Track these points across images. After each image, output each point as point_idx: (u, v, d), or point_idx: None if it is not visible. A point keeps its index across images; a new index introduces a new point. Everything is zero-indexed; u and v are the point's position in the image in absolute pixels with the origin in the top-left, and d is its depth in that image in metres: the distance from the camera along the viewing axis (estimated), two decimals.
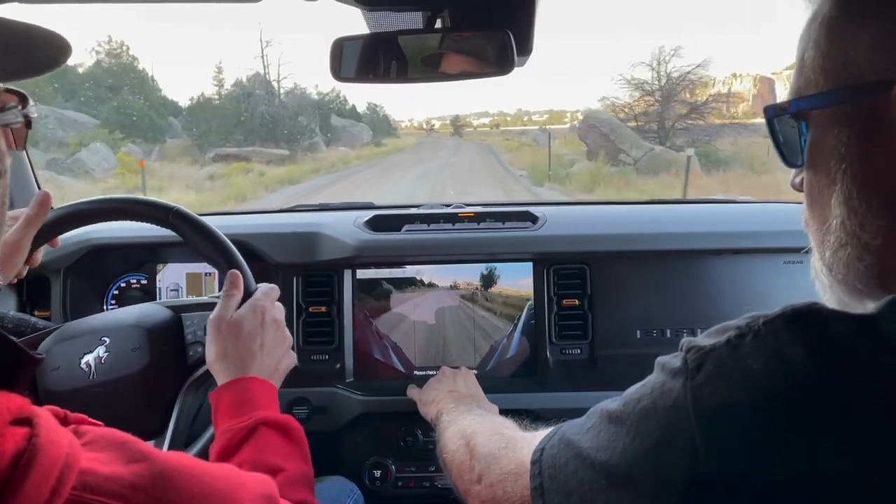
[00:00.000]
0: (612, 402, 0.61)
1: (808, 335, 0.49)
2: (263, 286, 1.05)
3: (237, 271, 1.04)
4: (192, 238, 1.13)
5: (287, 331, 1.03)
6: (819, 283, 0.61)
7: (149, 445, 0.47)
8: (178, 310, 1.15)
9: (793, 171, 0.62)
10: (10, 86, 0.54)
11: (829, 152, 0.55)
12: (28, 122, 0.54)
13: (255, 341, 0.96)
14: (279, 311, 1.03)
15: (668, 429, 0.52)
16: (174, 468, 0.47)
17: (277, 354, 0.99)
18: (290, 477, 0.82)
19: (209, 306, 1.14)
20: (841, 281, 0.57)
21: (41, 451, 0.41)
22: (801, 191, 0.61)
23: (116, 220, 1.17)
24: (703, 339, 0.55)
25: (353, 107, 53.50)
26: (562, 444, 0.63)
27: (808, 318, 0.50)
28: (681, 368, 0.54)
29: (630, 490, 0.54)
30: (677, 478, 0.51)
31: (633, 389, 0.59)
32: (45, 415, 0.45)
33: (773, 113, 0.60)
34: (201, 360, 1.11)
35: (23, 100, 0.53)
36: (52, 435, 0.43)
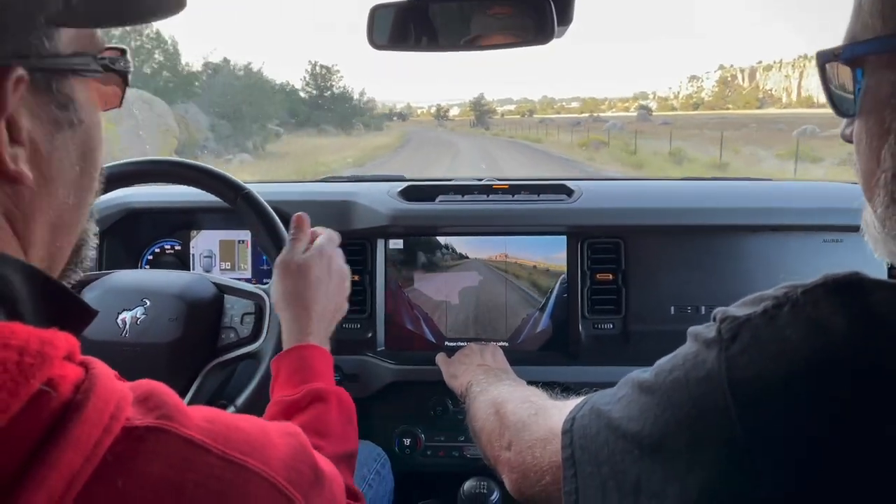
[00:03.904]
0: (643, 371, 0.60)
1: (850, 305, 0.48)
2: (327, 232, 1.07)
3: (303, 214, 1.06)
4: (254, 223, 1.15)
5: (348, 281, 1.06)
6: (869, 236, 0.59)
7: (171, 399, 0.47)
8: (223, 289, 1.16)
9: (844, 121, 0.60)
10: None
11: (884, 101, 0.52)
12: (125, 80, 0.53)
13: (321, 286, 0.99)
14: (342, 258, 1.06)
15: (701, 400, 0.51)
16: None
17: (337, 302, 1.03)
18: (327, 456, 0.83)
19: (252, 295, 1.16)
20: (895, 237, 0.55)
21: (99, 380, 0.42)
22: (850, 142, 0.59)
23: (183, 184, 1.18)
24: (738, 309, 0.54)
25: (172, 51, 28.24)
26: (593, 414, 0.63)
27: (849, 287, 0.49)
28: (714, 339, 0.53)
29: (662, 461, 0.53)
30: (710, 449, 0.50)
31: (666, 360, 0.58)
32: (94, 358, 0.46)
33: (826, 58, 0.57)
34: (231, 346, 1.13)
35: (123, 52, 0.52)
36: (106, 370, 0.44)
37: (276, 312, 1.01)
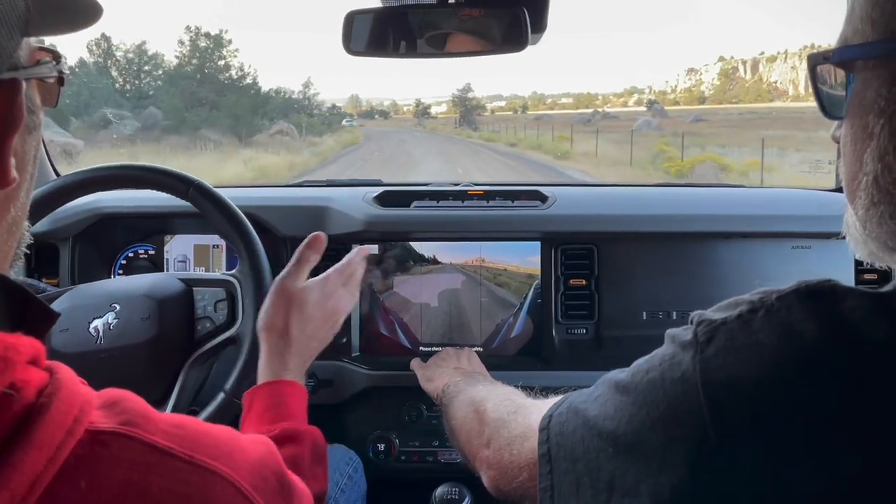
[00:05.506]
0: (620, 372, 0.61)
1: (822, 311, 0.49)
2: (339, 264, 1.03)
3: (321, 235, 1.02)
4: (211, 213, 1.15)
5: (343, 318, 1.02)
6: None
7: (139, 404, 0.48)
8: (190, 283, 1.16)
9: (835, 123, 0.60)
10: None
11: (869, 105, 0.53)
12: (61, 79, 0.54)
13: (311, 322, 0.96)
14: (347, 299, 1.02)
15: (676, 401, 0.53)
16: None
17: (323, 337, 0.99)
18: None
19: (221, 283, 1.16)
20: (875, 238, 0.56)
21: (63, 384, 0.43)
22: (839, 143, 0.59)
23: (135, 188, 1.17)
24: (714, 313, 0.55)
25: None
26: (570, 412, 0.64)
27: (821, 294, 0.50)
28: (690, 341, 0.54)
29: (636, 460, 0.54)
30: (683, 450, 0.51)
31: (643, 360, 0.60)
32: (60, 364, 0.47)
33: (817, 61, 0.58)
34: (208, 335, 1.13)
35: (56, 57, 0.53)
36: (71, 375, 0.45)
37: (259, 335, 0.98)
